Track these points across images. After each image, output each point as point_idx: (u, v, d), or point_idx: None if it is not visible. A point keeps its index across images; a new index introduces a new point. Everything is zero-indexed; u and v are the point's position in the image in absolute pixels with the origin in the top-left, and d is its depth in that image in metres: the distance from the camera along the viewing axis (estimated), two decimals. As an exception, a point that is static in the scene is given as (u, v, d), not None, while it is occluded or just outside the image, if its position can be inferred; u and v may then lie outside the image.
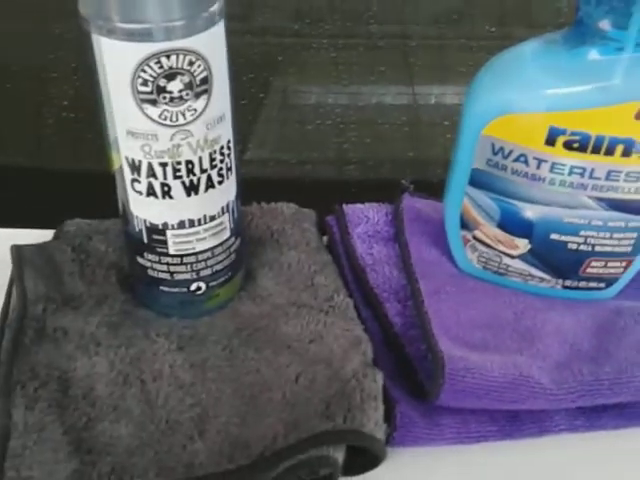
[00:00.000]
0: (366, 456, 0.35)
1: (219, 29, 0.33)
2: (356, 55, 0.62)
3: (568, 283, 0.44)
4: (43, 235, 0.46)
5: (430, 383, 0.37)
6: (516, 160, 0.40)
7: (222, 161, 0.36)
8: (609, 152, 0.38)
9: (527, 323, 0.41)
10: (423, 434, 0.36)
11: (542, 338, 0.40)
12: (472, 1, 0.65)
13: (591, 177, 0.39)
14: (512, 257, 0.44)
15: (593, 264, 0.43)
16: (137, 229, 0.38)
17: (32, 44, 0.58)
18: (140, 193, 0.36)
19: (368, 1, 0.63)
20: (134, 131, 0.34)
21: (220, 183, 0.37)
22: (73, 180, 0.52)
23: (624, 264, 0.43)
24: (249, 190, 0.48)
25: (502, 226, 0.43)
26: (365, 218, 0.48)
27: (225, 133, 0.36)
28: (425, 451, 0.37)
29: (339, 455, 0.33)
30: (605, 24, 0.36)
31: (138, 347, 0.38)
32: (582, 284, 0.44)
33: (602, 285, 0.44)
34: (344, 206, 0.49)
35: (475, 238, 0.44)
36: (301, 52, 0.62)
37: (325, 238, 0.48)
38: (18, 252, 0.43)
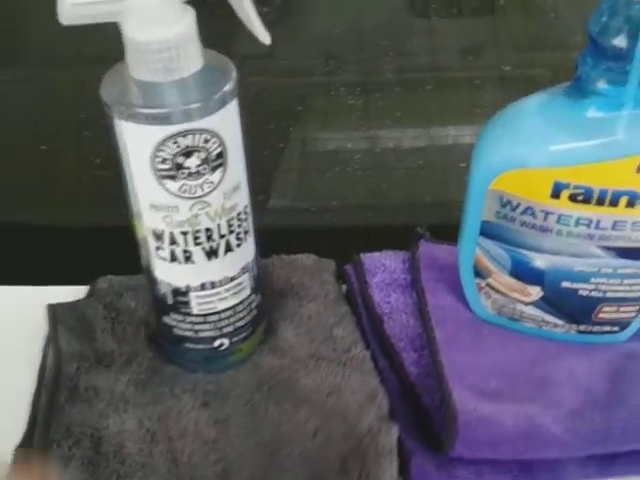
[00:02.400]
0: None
1: (232, 107, 0.35)
2: (373, 101, 0.64)
3: (582, 328, 0.45)
4: (77, 291, 0.49)
5: (444, 434, 0.38)
6: (524, 213, 0.41)
7: (239, 226, 0.39)
8: (613, 204, 0.39)
9: (541, 370, 0.42)
10: (437, 486, 0.38)
11: (555, 385, 0.41)
12: (485, 43, 0.67)
13: (597, 227, 0.40)
14: (525, 304, 0.45)
15: (605, 309, 0.44)
16: (162, 292, 0.40)
17: (65, 104, 0.61)
18: (164, 259, 0.38)
19: (383, 48, 0.65)
20: (156, 204, 0.36)
21: (238, 246, 0.39)
22: (106, 236, 0.54)
23: (637, 308, 0.44)
24: (271, 238, 0.50)
25: (514, 274, 0.44)
26: (382, 267, 0.50)
27: (241, 200, 0.38)
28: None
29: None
30: (603, 82, 0.37)
31: (165, 405, 0.40)
32: (596, 328, 0.45)
33: (616, 329, 0.45)
34: (361, 255, 0.50)
35: (489, 285, 0.45)
36: (319, 100, 0.64)
37: (344, 286, 0.50)
38: (53, 311, 0.45)
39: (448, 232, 0.50)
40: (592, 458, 0.39)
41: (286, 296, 0.47)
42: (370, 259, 0.50)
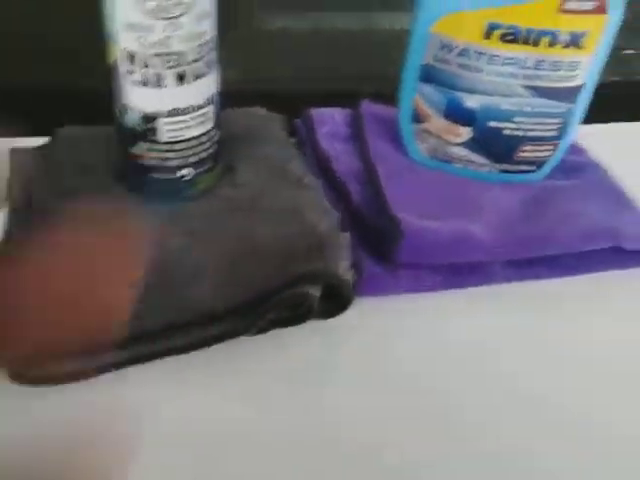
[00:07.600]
0: (337, 302, 0.41)
1: None
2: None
3: (504, 167, 0.51)
4: (39, 141, 0.51)
5: (390, 243, 0.43)
6: (460, 55, 0.46)
7: (208, 53, 0.42)
8: (536, 43, 0.44)
9: (471, 199, 0.48)
10: (382, 284, 0.43)
11: (484, 208, 0.47)
12: None
13: (522, 67, 0.46)
14: (456, 144, 0.50)
15: (526, 148, 0.50)
16: (132, 120, 0.43)
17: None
18: (134, 83, 0.41)
19: None
20: (132, 22, 0.39)
21: (205, 75, 0.42)
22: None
23: (552, 147, 0.50)
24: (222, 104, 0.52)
25: (448, 116, 0.49)
26: (331, 119, 0.54)
27: (210, 29, 0.41)
28: (385, 301, 0.43)
29: (316, 292, 0.39)
30: None
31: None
32: (516, 167, 0.51)
33: (533, 168, 0.51)
34: (311, 110, 0.55)
35: (424, 131, 0.51)
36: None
37: (293, 140, 0.54)
38: (16, 154, 0.48)
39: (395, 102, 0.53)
40: (515, 262, 0.45)
41: (242, 140, 0.51)
42: (319, 113, 0.55)
